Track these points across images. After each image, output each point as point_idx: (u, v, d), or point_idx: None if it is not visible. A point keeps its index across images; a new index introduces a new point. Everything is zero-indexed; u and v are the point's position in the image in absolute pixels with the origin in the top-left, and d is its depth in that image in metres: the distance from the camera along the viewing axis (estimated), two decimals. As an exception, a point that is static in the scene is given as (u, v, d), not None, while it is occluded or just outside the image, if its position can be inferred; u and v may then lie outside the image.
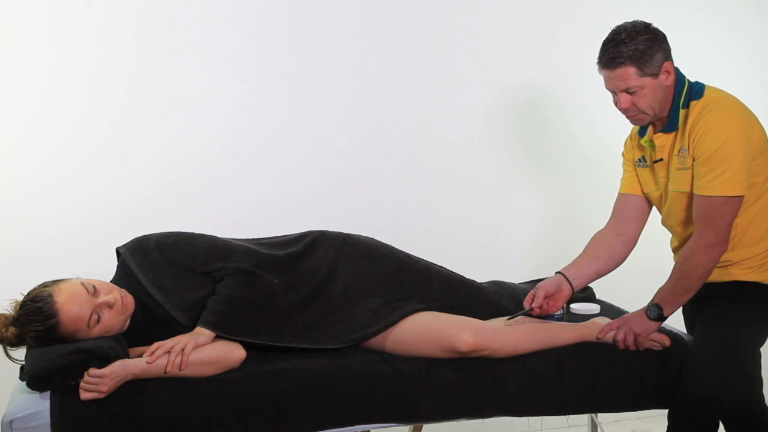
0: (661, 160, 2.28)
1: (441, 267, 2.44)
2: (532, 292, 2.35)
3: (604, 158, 3.34)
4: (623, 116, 2.27)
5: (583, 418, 2.66)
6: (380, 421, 2.09)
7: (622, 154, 2.46)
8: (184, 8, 2.91)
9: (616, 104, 2.23)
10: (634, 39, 2.13)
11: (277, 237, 2.39)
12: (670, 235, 2.44)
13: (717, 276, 2.25)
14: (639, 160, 2.38)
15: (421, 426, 2.52)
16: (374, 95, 3.13)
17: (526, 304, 2.33)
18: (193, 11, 2.92)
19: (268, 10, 3.00)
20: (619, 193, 2.46)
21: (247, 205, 3.01)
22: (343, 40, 3.08)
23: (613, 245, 2.42)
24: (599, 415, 2.50)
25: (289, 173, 3.06)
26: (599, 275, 2.42)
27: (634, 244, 2.43)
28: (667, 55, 2.19)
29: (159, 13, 2.89)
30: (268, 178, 3.04)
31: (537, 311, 2.31)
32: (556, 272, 2.40)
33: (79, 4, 2.79)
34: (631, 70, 2.14)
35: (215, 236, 2.27)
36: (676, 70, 2.22)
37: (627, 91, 2.16)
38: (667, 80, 2.19)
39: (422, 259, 2.43)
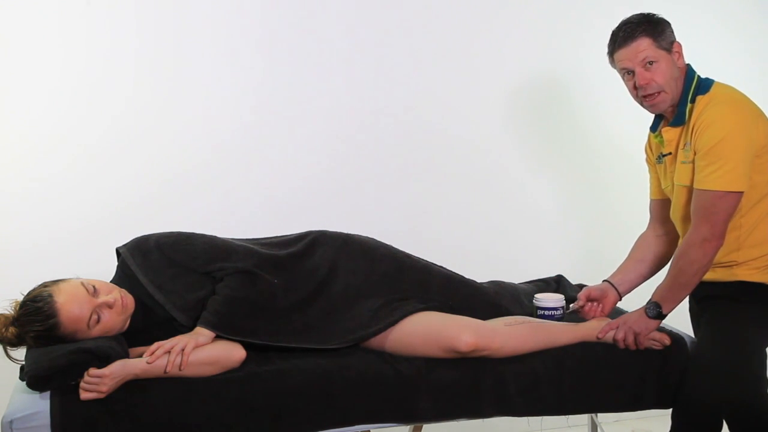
0: (669, 154, 2.30)
1: (441, 267, 2.43)
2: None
3: (607, 157, 3.36)
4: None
5: (583, 418, 2.65)
6: (380, 421, 2.09)
7: (645, 161, 2.48)
8: (185, 8, 2.91)
9: (632, 92, 2.26)
10: (645, 17, 2.23)
11: (277, 237, 2.39)
12: None
13: (722, 276, 2.26)
14: (658, 157, 2.38)
15: (421, 426, 2.52)
16: (374, 94, 3.13)
17: (574, 305, 2.40)
18: (194, 10, 2.92)
19: (272, 4, 3.00)
20: (651, 199, 2.49)
21: (247, 205, 3.01)
22: (344, 39, 3.08)
23: (657, 246, 2.46)
24: (599, 415, 2.50)
25: (289, 173, 3.06)
26: (645, 278, 2.46)
27: (678, 240, 2.43)
28: (674, 38, 2.24)
29: (159, 12, 2.89)
30: (268, 178, 3.04)
31: (586, 308, 2.38)
32: (603, 280, 2.45)
33: (79, 4, 2.80)
34: (647, 41, 2.20)
35: (215, 236, 2.27)
36: (687, 66, 2.25)
37: (645, 63, 2.19)
38: (679, 61, 2.23)
39: (422, 259, 2.42)
